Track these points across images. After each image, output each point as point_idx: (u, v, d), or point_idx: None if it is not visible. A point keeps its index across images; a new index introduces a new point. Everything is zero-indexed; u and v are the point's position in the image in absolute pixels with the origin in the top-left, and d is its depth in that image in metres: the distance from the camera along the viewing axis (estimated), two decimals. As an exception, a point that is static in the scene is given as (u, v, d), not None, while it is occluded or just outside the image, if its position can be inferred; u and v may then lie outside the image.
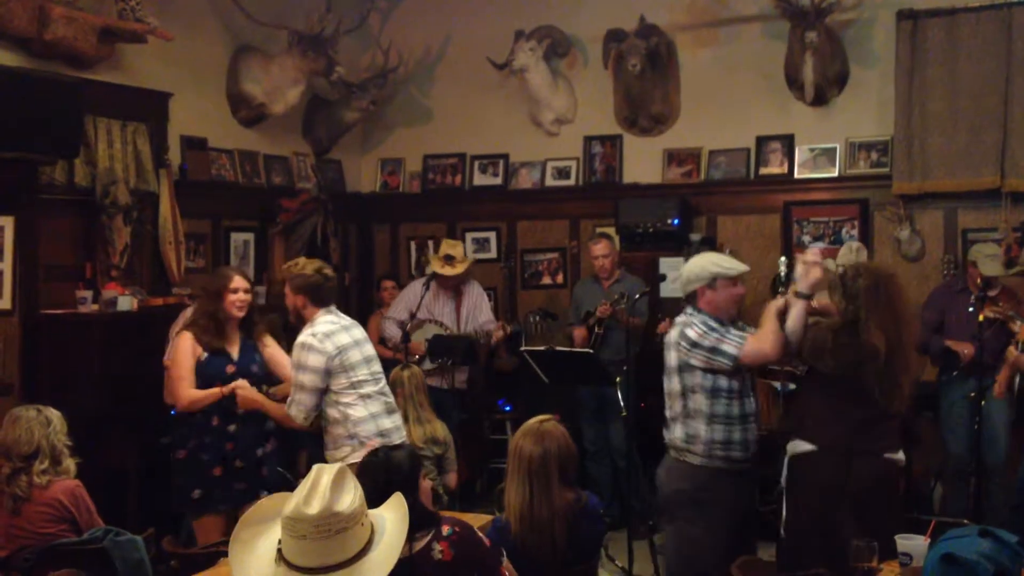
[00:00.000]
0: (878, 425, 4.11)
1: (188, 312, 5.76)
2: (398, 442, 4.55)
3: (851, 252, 6.30)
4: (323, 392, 4.57)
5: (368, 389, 4.64)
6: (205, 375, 4.74)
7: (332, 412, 4.61)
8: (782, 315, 4.17)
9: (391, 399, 4.82)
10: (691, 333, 4.16)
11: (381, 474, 2.95)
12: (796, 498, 4.19)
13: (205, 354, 4.76)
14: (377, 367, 4.76)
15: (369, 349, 4.76)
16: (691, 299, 4.31)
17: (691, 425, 4.18)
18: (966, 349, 5.82)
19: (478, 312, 7.06)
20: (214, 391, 4.71)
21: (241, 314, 4.84)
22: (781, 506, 4.30)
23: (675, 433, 4.24)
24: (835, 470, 4.05)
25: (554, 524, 3.50)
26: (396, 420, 4.77)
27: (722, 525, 4.19)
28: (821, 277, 4.18)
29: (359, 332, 4.76)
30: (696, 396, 4.19)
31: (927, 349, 6.16)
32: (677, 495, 4.24)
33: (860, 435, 4.07)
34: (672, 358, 4.25)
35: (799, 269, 4.22)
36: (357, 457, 4.45)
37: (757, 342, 4.14)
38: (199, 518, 4.77)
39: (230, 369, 4.79)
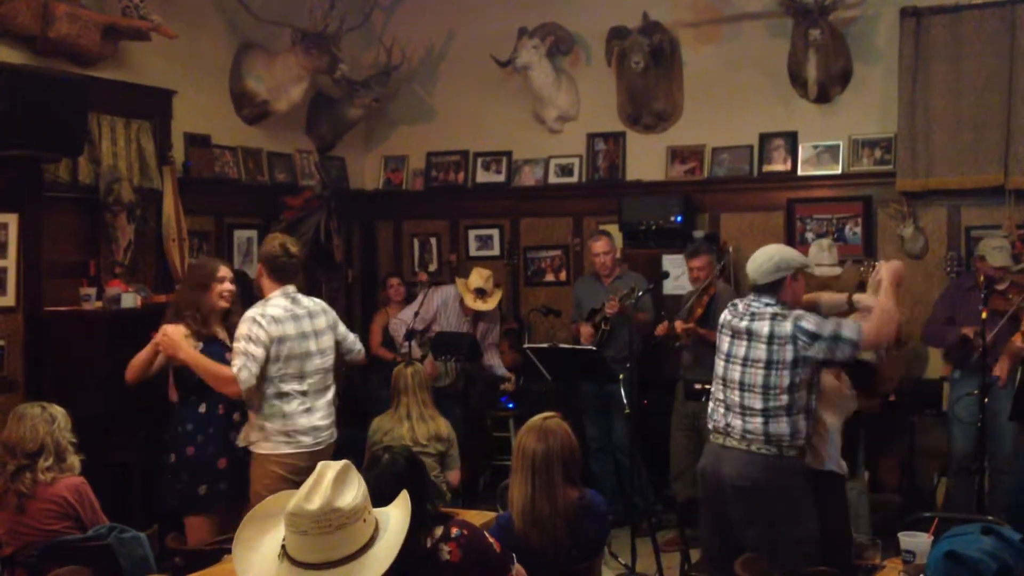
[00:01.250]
0: None
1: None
2: (311, 446, 4.52)
3: (822, 250, 6.31)
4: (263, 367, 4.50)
5: (290, 387, 4.54)
6: None
7: (254, 397, 4.55)
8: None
9: (321, 399, 4.66)
10: (808, 325, 3.99)
11: (387, 472, 2.95)
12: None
13: (200, 344, 4.71)
14: (315, 364, 4.62)
15: (321, 343, 4.64)
16: (770, 289, 4.13)
17: (795, 421, 4.04)
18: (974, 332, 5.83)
19: (489, 333, 7.04)
20: (149, 346, 4.67)
21: (227, 305, 4.81)
22: None
23: (778, 429, 4.04)
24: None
25: (556, 521, 3.50)
26: (316, 421, 4.63)
27: (816, 513, 4.17)
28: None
29: (310, 323, 4.63)
30: (802, 392, 4.05)
31: (942, 341, 6.17)
32: (796, 492, 4.08)
33: None
34: (782, 353, 4.02)
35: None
36: (257, 448, 4.52)
37: (875, 324, 4.05)
38: (194, 516, 4.71)
39: (228, 356, 4.74)
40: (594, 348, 6.32)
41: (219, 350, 4.74)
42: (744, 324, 4.14)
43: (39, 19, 5.75)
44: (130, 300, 5.94)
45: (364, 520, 2.53)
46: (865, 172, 7.14)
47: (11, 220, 5.70)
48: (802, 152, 7.33)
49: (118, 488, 5.42)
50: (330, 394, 4.74)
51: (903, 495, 6.61)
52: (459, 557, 2.85)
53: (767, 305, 4.12)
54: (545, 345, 6.43)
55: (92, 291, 5.96)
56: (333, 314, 4.82)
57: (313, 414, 4.62)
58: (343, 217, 7.99)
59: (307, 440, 4.56)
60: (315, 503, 2.45)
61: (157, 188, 6.51)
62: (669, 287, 6.92)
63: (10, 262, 5.71)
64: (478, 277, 6.84)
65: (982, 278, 5.82)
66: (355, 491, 2.52)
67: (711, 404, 4.28)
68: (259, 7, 7.19)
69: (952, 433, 6.13)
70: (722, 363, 4.22)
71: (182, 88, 6.82)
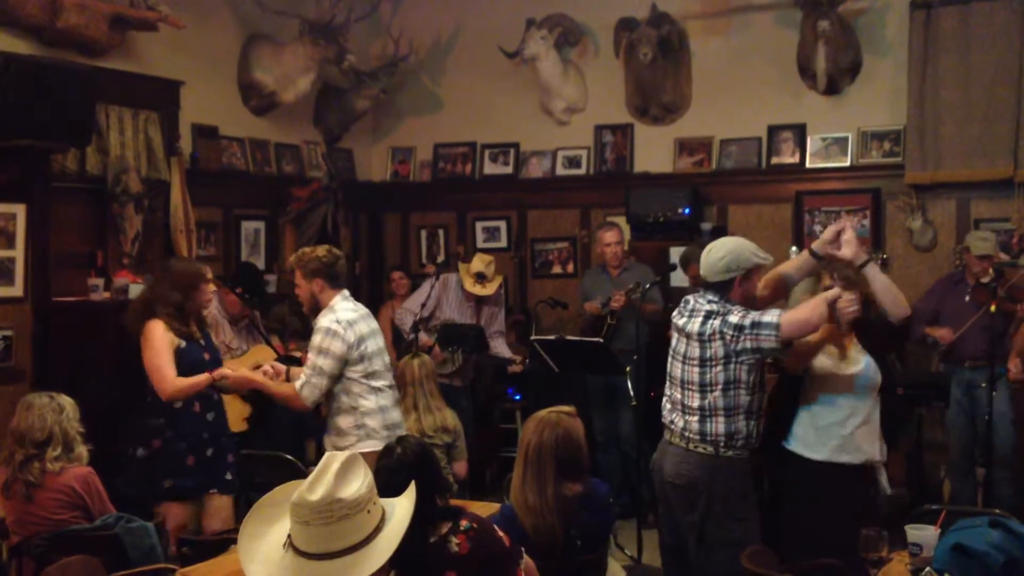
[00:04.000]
0: None
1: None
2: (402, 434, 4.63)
3: None
4: (337, 379, 4.57)
5: (380, 382, 4.65)
6: (185, 364, 4.69)
7: (344, 400, 4.60)
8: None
9: (397, 393, 4.87)
10: (733, 318, 3.93)
11: (398, 464, 2.96)
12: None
13: (182, 343, 4.73)
14: (388, 359, 4.78)
15: (382, 340, 4.78)
16: (718, 288, 4.04)
17: (732, 421, 3.99)
18: (940, 332, 5.91)
19: (494, 319, 7.02)
20: (203, 378, 4.66)
21: (208, 307, 4.94)
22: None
23: (712, 428, 4.01)
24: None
25: (546, 514, 3.50)
26: (400, 414, 4.84)
27: (757, 515, 4.16)
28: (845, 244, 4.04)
29: (374, 323, 4.77)
30: (739, 391, 3.99)
31: (910, 333, 6.22)
32: (730, 494, 4.04)
33: None
34: (714, 350, 4.00)
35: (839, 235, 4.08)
36: (361, 447, 4.46)
37: (801, 314, 3.92)
38: (163, 504, 4.68)
39: (206, 356, 4.80)
40: (601, 340, 6.32)
41: (199, 351, 4.78)
42: (683, 321, 4.11)
43: (47, 9, 5.76)
44: (138, 291, 5.94)
45: (368, 511, 2.52)
46: (874, 164, 7.13)
47: (19, 210, 5.71)
48: (811, 144, 7.32)
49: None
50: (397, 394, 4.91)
51: (910, 488, 6.60)
52: (468, 549, 2.85)
53: (709, 302, 4.05)
54: (552, 337, 6.43)
55: (100, 282, 5.97)
56: None
57: (398, 406, 4.82)
58: (350, 209, 8.00)
59: (400, 432, 4.51)
60: (317, 493, 2.45)
61: (165, 179, 6.52)
62: (678, 279, 6.90)
63: (18, 252, 5.72)
64: (479, 262, 6.83)
65: (985, 273, 5.81)
66: (359, 482, 2.52)
67: (664, 400, 4.25)
68: (267, -2, 7.20)
69: (954, 427, 6.12)
70: (670, 360, 4.20)
71: (190, 79, 6.83)
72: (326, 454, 2.58)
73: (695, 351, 4.04)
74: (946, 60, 6.74)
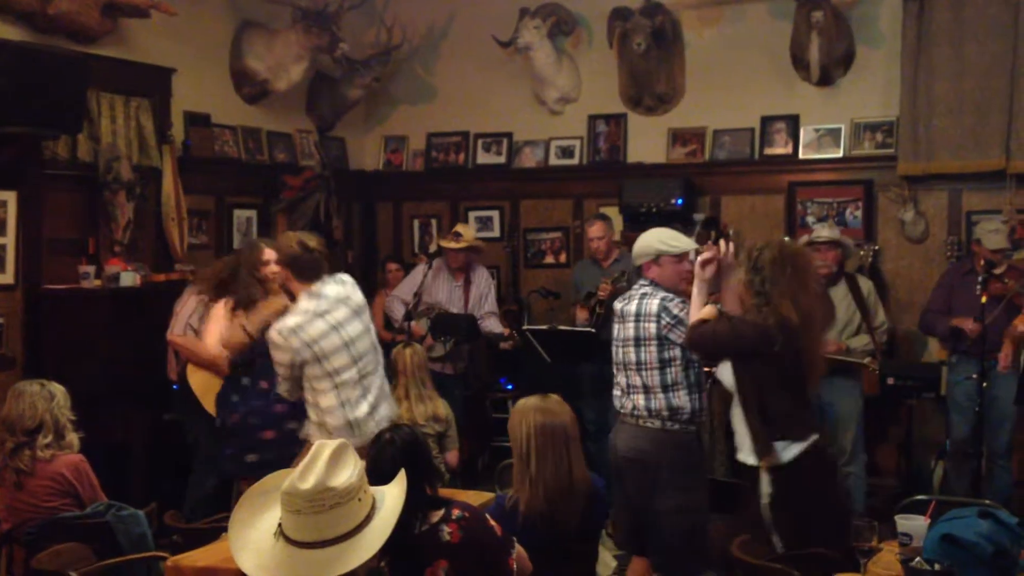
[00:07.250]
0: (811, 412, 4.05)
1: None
2: (374, 430, 4.32)
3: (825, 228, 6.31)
4: (299, 377, 4.52)
5: (345, 376, 4.48)
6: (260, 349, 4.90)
7: (308, 396, 4.54)
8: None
9: (375, 381, 4.63)
10: (674, 309, 4.23)
11: (387, 451, 2.96)
12: (797, 508, 3.77)
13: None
14: (362, 347, 4.56)
15: (355, 328, 4.56)
16: (638, 272, 4.46)
17: (673, 396, 4.24)
18: (969, 324, 5.82)
19: (484, 300, 7.01)
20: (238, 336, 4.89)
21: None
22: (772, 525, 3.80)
23: (656, 404, 4.23)
24: (826, 467, 3.92)
25: (576, 495, 3.59)
26: (373, 404, 4.59)
27: (706, 487, 4.38)
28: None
29: (343, 312, 4.55)
30: (675, 368, 4.24)
31: (933, 331, 6.19)
32: (675, 465, 4.23)
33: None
34: (647, 329, 4.26)
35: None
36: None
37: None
38: (244, 481, 4.74)
39: None
40: (592, 330, 6.32)
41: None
42: (620, 306, 4.45)
43: (38, -5, 5.73)
44: (129, 279, 5.95)
45: (359, 499, 2.52)
46: (866, 156, 7.12)
47: (10, 197, 5.70)
48: (803, 135, 7.31)
49: (117, 466, 5.43)
50: (377, 380, 4.68)
51: (900, 479, 6.62)
52: (459, 538, 2.86)
53: (641, 285, 4.41)
54: (544, 327, 6.43)
55: (91, 269, 5.96)
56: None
57: (370, 396, 4.57)
58: (343, 197, 7.98)
59: (371, 428, 4.38)
60: (308, 482, 2.45)
61: (156, 166, 6.50)
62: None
63: (9, 239, 5.71)
64: (459, 227, 6.96)
65: (981, 262, 5.82)
66: (350, 471, 2.52)
67: (615, 389, 4.48)
68: (259, -15, 7.17)
69: (949, 418, 6.13)
70: (614, 348, 4.46)
71: (182, 66, 6.80)
72: (316, 442, 2.58)
73: (630, 331, 4.32)
74: (939, 52, 6.73)
